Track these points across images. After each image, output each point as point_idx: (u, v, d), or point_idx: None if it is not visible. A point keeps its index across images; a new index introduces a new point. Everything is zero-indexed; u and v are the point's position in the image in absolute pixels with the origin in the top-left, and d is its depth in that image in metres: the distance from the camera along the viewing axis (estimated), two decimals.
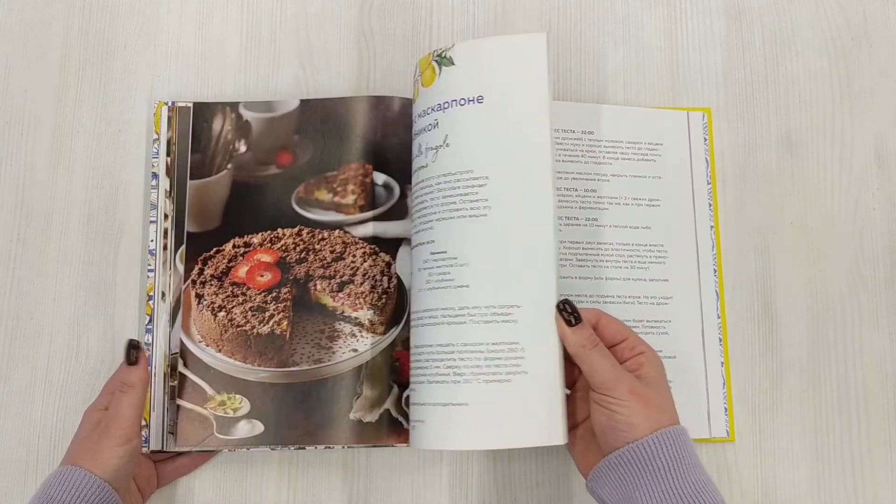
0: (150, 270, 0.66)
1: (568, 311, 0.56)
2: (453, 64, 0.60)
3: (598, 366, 0.54)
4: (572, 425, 0.58)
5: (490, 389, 0.56)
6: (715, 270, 0.68)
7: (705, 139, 0.71)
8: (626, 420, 0.52)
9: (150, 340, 0.65)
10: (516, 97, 0.58)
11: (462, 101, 0.59)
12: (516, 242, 0.57)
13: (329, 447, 0.63)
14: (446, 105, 0.59)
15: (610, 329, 0.57)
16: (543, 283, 0.56)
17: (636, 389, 0.53)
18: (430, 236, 0.59)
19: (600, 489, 0.54)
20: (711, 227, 0.69)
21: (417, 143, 0.62)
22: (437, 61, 0.60)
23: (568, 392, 0.58)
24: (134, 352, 0.59)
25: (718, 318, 0.68)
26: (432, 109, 0.60)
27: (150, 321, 0.65)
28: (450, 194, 0.59)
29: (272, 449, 0.63)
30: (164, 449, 0.63)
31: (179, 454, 0.65)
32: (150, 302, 0.66)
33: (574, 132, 0.70)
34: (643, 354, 0.56)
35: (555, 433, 0.55)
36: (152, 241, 0.66)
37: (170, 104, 0.69)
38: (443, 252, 0.58)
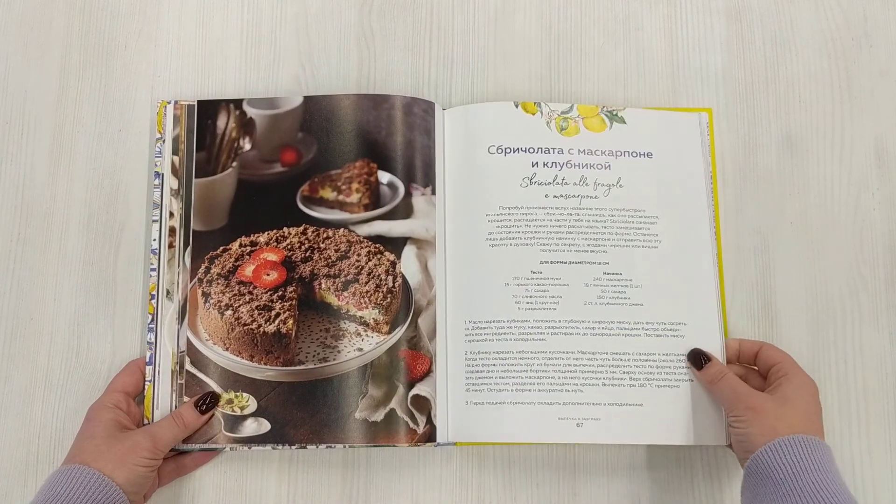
0: (152, 269, 0.66)
1: (696, 358, 0.65)
2: (625, 123, 0.70)
3: (724, 393, 0.62)
4: None
5: (661, 393, 0.65)
6: (715, 271, 0.68)
7: (707, 139, 0.71)
8: (742, 431, 0.59)
9: (154, 339, 0.65)
10: (681, 156, 0.70)
11: (634, 154, 0.69)
12: (681, 270, 0.67)
13: (331, 446, 0.63)
14: (619, 153, 0.69)
15: (767, 355, 0.63)
16: (707, 303, 0.67)
17: (752, 404, 0.59)
18: (604, 258, 0.67)
19: (744, 499, 0.58)
20: (712, 227, 0.69)
21: (581, 174, 0.69)
22: (607, 115, 0.70)
23: None
24: (209, 402, 0.63)
25: (719, 318, 0.68)
26: (603, 153, 0.69)
27: (152, 320, 0.65)
28: (624, 226, 0.68)
29: (273, 448, 0.63)
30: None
31: (182, 453, 0.65)
32: (153, 301, 0.66)
33: None
34: (786, 376, 0.60)
35: (718, 435, 0.65)
36: (155, 239, 0.66)
37: (173, 103, 0.69)
38: (618, 274, 0.67)
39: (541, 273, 0.67)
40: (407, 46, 0.73)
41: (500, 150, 0.68)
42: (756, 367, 0.65)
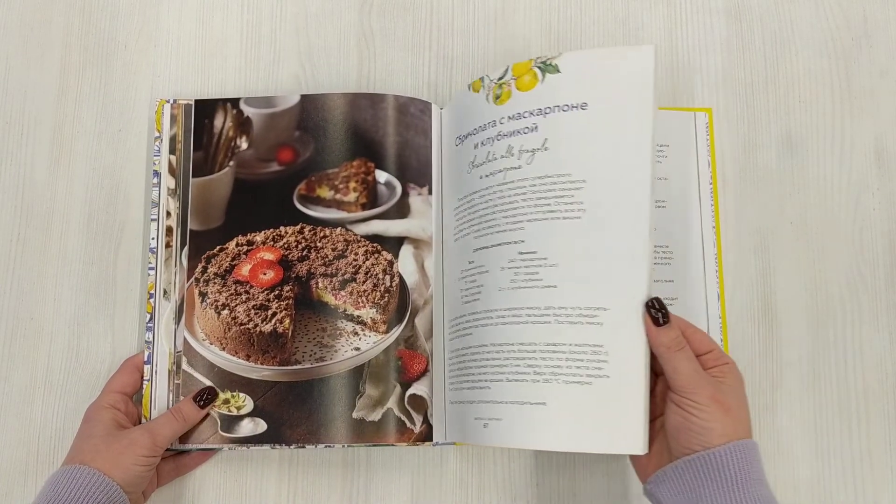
0: (150, 269, 0.66)
1: (655, 309, 0.55)
2: (559, 72, 0.60)
3: (682, 368, 0.54)
4: None
5: (569, 391, 0.56)
6: (715, 271, 0.68)
7: (707, 140, 0.71)
8: (702, 424, 0.52)
9: (151, 339, 0.65)
10: (622, 106, 0.58)
11: (566, 108, 0.59)
12: (608, 245, 0.57)
13: (329, 446, 0.63)
14: (548, 110, 0.60)
15: (695, 339, 0.56)
16: (635, 287, 0.56)
17: (717, 396, 0.53)
18: (520, 236, 0.59)
19: (663, 492, 0.54)
20: (713, 227, 0.69)
21: (507, 143, 0.61)
22: (540, 68, 0.61)
23: None
24: (208, 397, 0.63)
25: (719, 318, 0.68)
26: (531, 113, 0.60)
27: (150, 319, 0.65)
28: (545, 196, 0.59)
29: (272, 447, 0.63)
30: (168, 447, 0.63)
31: (181, 453, 0.65)
32: (151, 300, 0.66)
33: None
34: (727, 365, 0.56)
35: (635, 441, 0.55)
36: (153, 239, 0.66)
37: (172, 102, 0.69)
38: (533, 252, 0.59)
39: (473, 263, 0.62)
40: (407, 46, 0.73)
41: (458, 140, 0.66)
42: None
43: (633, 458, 0.58)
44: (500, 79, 0.62)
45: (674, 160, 0.69)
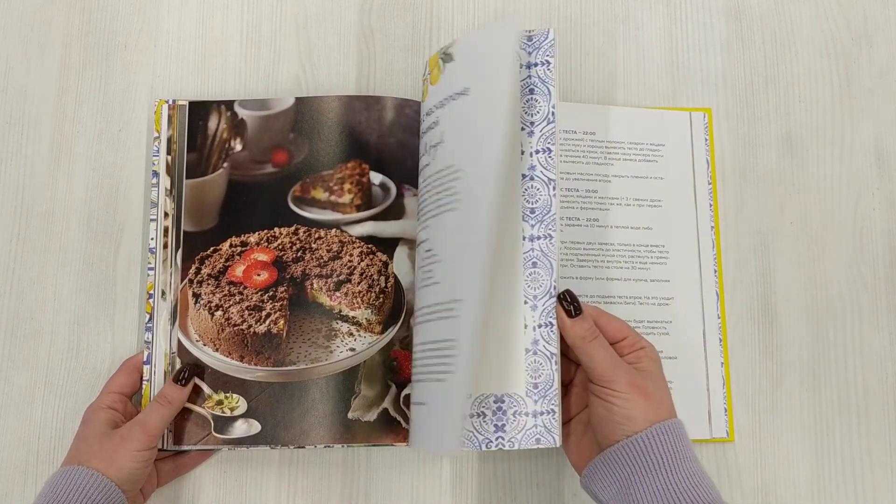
0: (150, 269, 0.66)
1: (567, 301, 0.55)
2: (453, 60, 0.59)
3: (598, 357, 0.54)
4: (566, 419, 0.58)
5: (435, 389, 0.55)
6: (715, 271, 0.68)
7: (706, 139, 0.71)
8: (624, 412, 0.52)
9: (150, 339, 0.65)
10: (492, 89, 0.55)
11: (454, 96, 0.58)
12: (475, 236, 0.53)
13: (328, 446, 0.63)
14: (444, 102, 0.58)
15: (610, 327, 0.56)
16: (478, 278, 0.52)
17: (636, 382, 0.53)
18: (425, 234, 0.59)
19: (596, 485, 0.54)
20: (712, 227, 0.69)
21: (424, 141, 0.61)
22: (442, 59, 0.59)
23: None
24: (185, 373, 0.62)
25: (718, 318, 0.68)
26: (434, 107, 0.60)
27: (150, 319, 0.65)
28: (438, 190, 0.58)
29: (272, 448, 0.63)
30: (165, 448, 0.63)
31: (180, 453, 0.65)
32: (150, 300, 0.66)
33: (576, 133, 0.70)
34: (643, 350, 0.56)
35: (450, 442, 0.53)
36: (152, 239, 0.66)
37: (171, 102, 0.69)
38: (430, 249, 0.58)
39: (418, 263, 0.62)
40: (407, 46, 0.73)
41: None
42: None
43: (569, 454, 0.58)
44: (423, 76, 0.62)
45: (670, 160, 0.70)
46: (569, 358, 0.58)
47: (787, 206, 0.71)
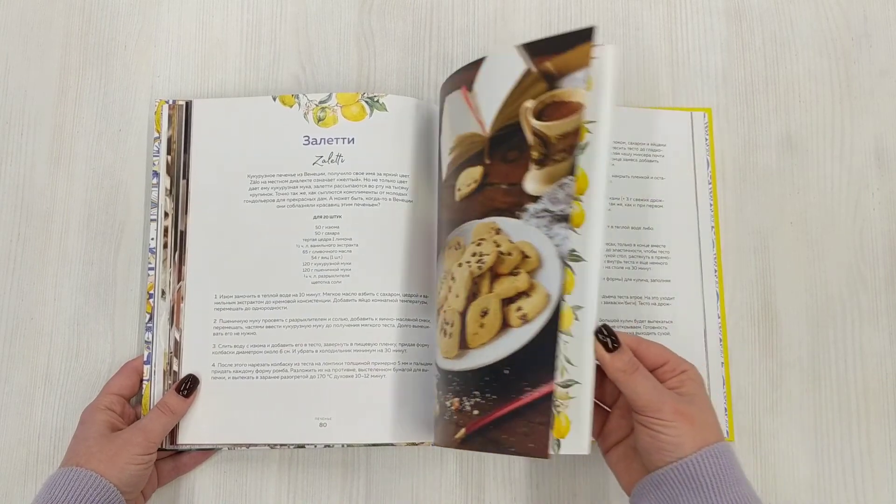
0: (150, 269, 0.66)
1: (604, 335, 0.55)
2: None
3: (641, 389, 0.54)
4: (615, 442, 0.59)
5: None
6: (715, 271, 0.68)
7: (706, 139, 0.71)
8: (671, 440, 0.52)
9: (150, 339, 0.65)
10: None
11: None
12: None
13: (329, 446, 0.63)
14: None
15: (650, 353, 0.56)
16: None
17: (680, 409, 0.53)
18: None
19: None
20: (712, 227, 0.69)
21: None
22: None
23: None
24: (190, 385, 0.62)
25: (719, 318, 0.67)
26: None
27: (150, 319, 0.65)
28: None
29: (272, 447, 0.63)
30: (164, 447, 0.63)
31: (180, 453, 0.65)
32: (151, 300, 0.66)
33: None
34: (685, 373, 0.56)
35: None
36: (153, 239, 0.66)
37: (171, 102, 0.69)
38: None
39: None
40: (407, 46, 0.73)
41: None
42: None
43: (617, 474, 0.58)
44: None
45: (671, 160, 0.70)
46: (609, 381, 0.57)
47: (787, 206, 0.71)
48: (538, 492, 0.66)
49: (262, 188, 0.66)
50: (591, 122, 0.56)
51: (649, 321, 0.67)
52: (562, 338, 0.55)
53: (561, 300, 0.53)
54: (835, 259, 0.70)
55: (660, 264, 0.68)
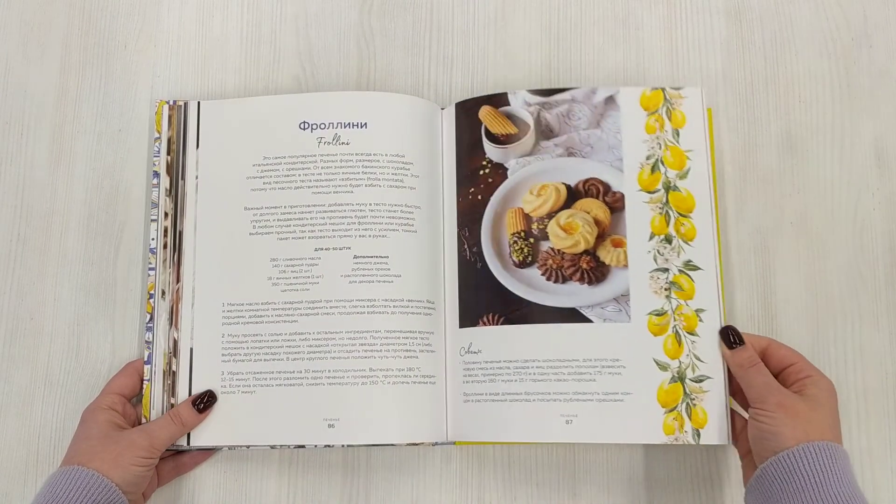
0: (150, 269, 0.66)
1: (727, 334, 0.62)
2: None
3: (755, 382, 0.58)
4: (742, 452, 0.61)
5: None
6: (715, 271, 0.68)
7: (706, 139, 0.70)
8: (770, 429, 0.55)
9: (151, 339, 0.65)
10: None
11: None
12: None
13: (329, 446, 0.63)
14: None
15: (779, 354, 0.61)
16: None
17: (785, 402, 0.56)
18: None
19: (749, 501, 0.56)
20: (712, 227, 0.69)
21: None
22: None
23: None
24: (207, 401, 0.62)
25: (719, 318, 0.67)
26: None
27: (150, 319, 0.65)
28: None
29: (272, 447, 0.63)
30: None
31: (180, 452, 0.65)
32: (151, 300, 0.66)
33: None
34: (810, 377, 0.58)
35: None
36: (153, 239, 0.66)
37: (171, 103, 0.69)
38: None
39: None
40: (407, 46, 0.73)
41: None
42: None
43: (743, 470, 0.60)
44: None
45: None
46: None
47: (787, 206, 0.71)
48: (538, 492, 0.66)
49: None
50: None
51: None
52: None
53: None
54: (835, 259, 0.70)
55: None
